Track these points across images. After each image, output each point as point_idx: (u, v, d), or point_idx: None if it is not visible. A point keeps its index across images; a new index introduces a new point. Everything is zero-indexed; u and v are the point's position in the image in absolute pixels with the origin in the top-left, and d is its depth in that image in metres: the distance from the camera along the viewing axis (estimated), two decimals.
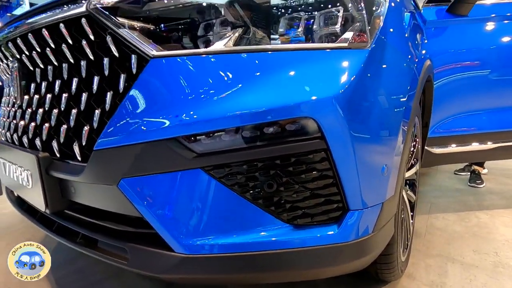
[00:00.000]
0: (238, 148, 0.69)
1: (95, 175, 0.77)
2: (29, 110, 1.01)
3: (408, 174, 1.32)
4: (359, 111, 0.74)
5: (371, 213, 0.79)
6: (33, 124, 0.98)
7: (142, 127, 0.69)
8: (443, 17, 1.66)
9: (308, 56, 0.74)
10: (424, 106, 1.55)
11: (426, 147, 1.69)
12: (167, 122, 0.68)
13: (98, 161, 0.75)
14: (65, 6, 0.81)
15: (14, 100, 1.13)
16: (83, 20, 0.77)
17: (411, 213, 1.41)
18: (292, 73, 0.71)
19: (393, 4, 0.92)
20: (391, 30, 0.89)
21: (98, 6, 0.74)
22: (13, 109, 1.13)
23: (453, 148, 1.77)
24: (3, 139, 1.21)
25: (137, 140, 0.70)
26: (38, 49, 0.92)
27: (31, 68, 1.01)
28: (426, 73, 1.23)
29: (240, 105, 0.67)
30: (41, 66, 0.96)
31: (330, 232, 0.74)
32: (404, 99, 0.89)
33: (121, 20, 0.74)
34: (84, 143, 0.80)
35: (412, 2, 1.36)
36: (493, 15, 1.70)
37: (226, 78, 0.70)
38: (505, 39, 1.67)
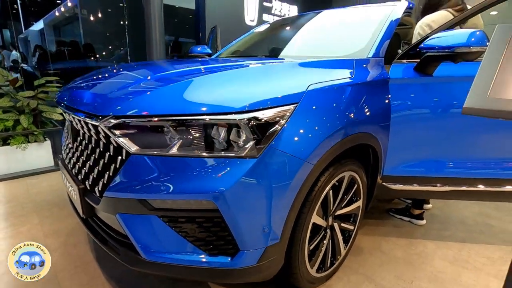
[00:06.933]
0: (177, 209, 1.21)
1: (105, 208, 1.33)
2: (76, 155, 1.62)
3: (345, 210, 1.75)
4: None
5: (254, 253, 1.27)
6: (77, 165, 1.59)
7: (127, 189, 1.23)
8: (407, 75, 1.91)
9: None
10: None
11: (384, 184, 2.03)
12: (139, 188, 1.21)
13: (105, 202, 1.31)
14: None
15: (69, 143, 1.76)
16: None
17: (345, 238, 1.85)
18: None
19: None
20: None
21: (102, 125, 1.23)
22: (68, 148, 1.76)
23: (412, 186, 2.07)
24: (62, 161, 1.86)
25: (124, 196, 1.24)
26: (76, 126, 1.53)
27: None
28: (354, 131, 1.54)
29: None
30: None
31: (226, 260, 1.25)
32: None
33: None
34: (100, 189, 1.36)
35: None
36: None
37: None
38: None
